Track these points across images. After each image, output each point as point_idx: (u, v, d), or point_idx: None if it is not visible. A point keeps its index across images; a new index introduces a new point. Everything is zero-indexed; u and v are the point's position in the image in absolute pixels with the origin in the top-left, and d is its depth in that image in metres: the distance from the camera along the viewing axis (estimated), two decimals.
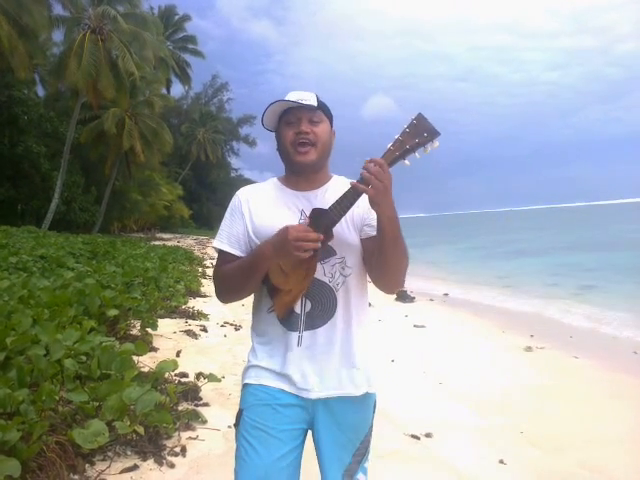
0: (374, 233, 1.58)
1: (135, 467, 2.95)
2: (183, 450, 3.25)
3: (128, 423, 3.14)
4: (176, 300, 8.50)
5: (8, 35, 19.25)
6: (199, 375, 4.55)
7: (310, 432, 1.70)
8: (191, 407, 3.91)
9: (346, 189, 1.51)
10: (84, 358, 3.99)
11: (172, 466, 3.06)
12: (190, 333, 6.62)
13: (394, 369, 5.76)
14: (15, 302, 4.94)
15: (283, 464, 1.58)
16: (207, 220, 60.64)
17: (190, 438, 3.45)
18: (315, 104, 1.62)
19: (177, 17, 48.38)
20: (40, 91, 31.54)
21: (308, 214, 1.58)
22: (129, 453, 3.09)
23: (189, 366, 4.86)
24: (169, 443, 3.31)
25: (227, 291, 1.70)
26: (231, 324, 7.60)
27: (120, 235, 35.30)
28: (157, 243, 28.25)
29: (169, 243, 29.98)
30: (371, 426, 1.72)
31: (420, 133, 1.45)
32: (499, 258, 25.34)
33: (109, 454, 3.02)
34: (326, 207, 1.54)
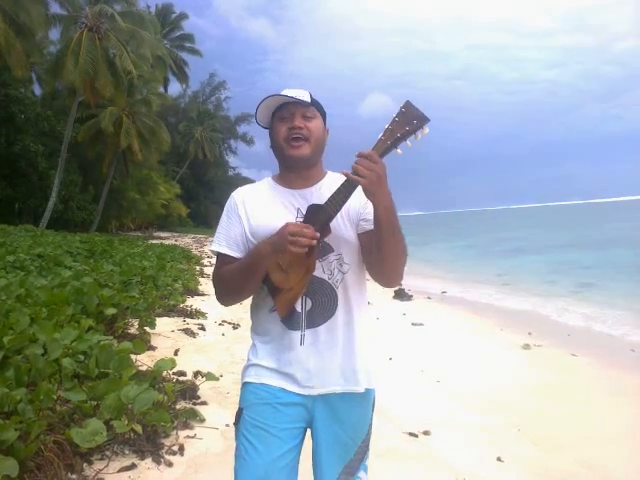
0: (370, 227, 1.58)
1: (133, 466, 2.95)
2: (181, 449, 3.25)
3: (126, 422, 3.14)
4: (174, 299, 8.50)
5: (5, 33, 19.18)
6: (197, 374, 4.55)
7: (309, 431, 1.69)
8: (189, 406, 3.91)
9: (341, 183, 1.51)
10: (82, 357, 3.98)
11: (170, 465, 3.06)
12: (188, 332, 6.61)
13: (392, 367, 5.76)
14: (13, 301, 4.93)
15: (283, 463, 1.58)
16: (205, 219, 60.60)
17: (188, 437, 3.44)
18: (308, 100, 1.62)
19: (174, 15, 48.24)
20: (37, 90, 31.52)
21: (304, 212, 1.58)
22: (127, 452, 3.09)
23: (187, 365, 4.86)
24: (167, 442, 3.31)
25: (228, 293, 1.70)
26: (229, 323, 7.60)
27: (118, 234, 35.26)
28: (155, 242, 28.20)
29: (167, 242, 29.93)
30: (371, 423, 1.72)
31: (410, 121, 1.45)
32: (497, 256, 25.37)
33: (107, 453, 3.02)
34: (322, 203, 1.54)
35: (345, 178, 1.47)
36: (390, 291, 11.63)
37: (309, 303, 1.62)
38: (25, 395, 2.95)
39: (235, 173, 74.06)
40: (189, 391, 4.18)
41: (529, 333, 8.15)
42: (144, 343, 5.13)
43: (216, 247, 1.71)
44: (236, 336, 6.79)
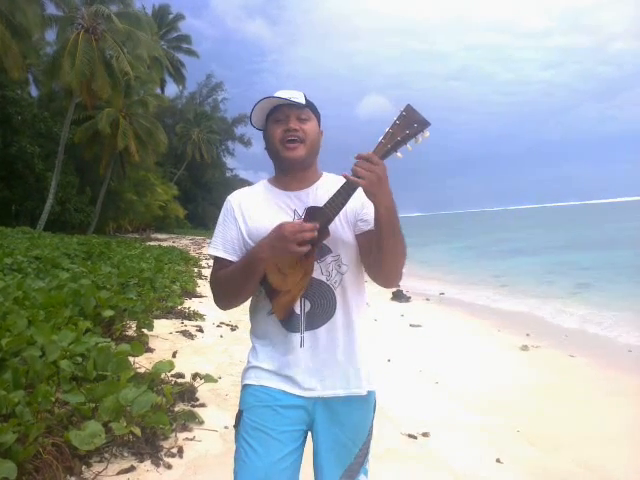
0: (368, 228, 1.58)
1: (132, 468, 2.94)
2: (180, 451, 3.24)
3: (124, 424, 3.13)
4: (172, 301, 8.47)
5: (1, 35, 19.17)
6: (195, 376, 4.54)
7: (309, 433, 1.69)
8: (188, 408, 3.90)
9: (337, 186, 1.50)
10: (80, 359, 3.97)
11: (169, 467, 3.05)
12: (186, 334, 6.59)
13: (390, 369, 5.76)
14: (10, 303, 4.91)
15: (283, 466, 1.57)
16: (202, 220, 60.54)
17: (187, 439, 3.43)
18: (303, 102, 1.62)
19: (171, 16, 48.18)
20: (34, 91, 31.46)
21: (301, 213, 1.58)
22: (126, 454, 3.08)
23: (185, 367, 4.85)
24: (166, 444, 3.30)
25: (225, 296, 1.69)
26: (227, 324, 7.59)
27: (115, 236, 35.20)
28: (152, 243, 28.16)
29: (164, 243, 29.90)
30: (372, 425, 1.72)
31: (410, 124, 1.45)
32: (495, 257, 25.39)
33: (106, 455, 3.01)
34: (319, 205, 1.53)
35: (344, 180, 1.46)
36: (388, 292, 11.63)
37: (308, 305, 1.61)
38: (23, 397, 2.94)
39: (232, 174, 74.03)
40: (188, 393, 4.17)
41: (527, 334, 8.17)
42: (142, 345, 5.11)
43: (213, 251, 1.70)
44: (234, 338, 6.78)
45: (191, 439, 3.44)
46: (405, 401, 4.70)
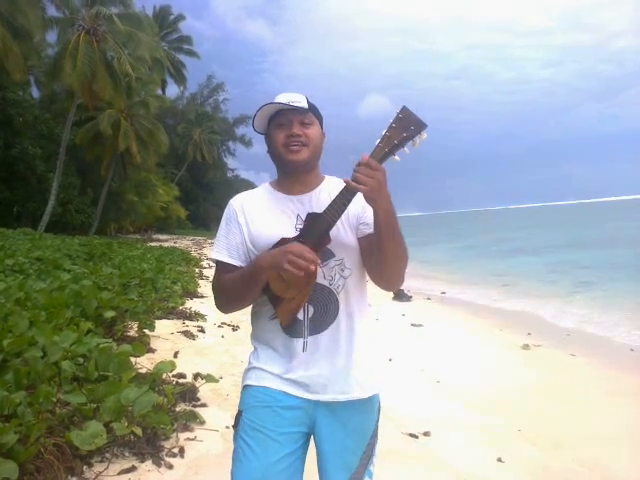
0: (370, 231, 1.57)
1: (133, 468, 2.95)
2: (181, 451, 3.25)
3: (126, 424, 3.13)
4: (173, 301, 8.48)
5: (2, 36, 19.18)
6: (197, 376, 4.54)
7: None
8: (189, 408, 3.90)
9: (339, 189, 1.50)
10: (81, 360, 3.98)
11: (170, 467, 3.05)
12: (187, 334, 6.60)
13: (392, 368, 5.76)
14: (12, 304, 4.92)
15: (280, 467, 1.56)
16: (204, 221, 60.58)
17: (188, 439, 3.44)
18: (305, 106, 1.61)
19: (172, 17, 48.25)
20: (35, 92, 31.52)
21: (304, 218, 1.57)
22: (127, 454, 3.08)
23: (187, 367, 4.85)
24: (167, 444, 3.30)
25: (228, 302, 1.69)
26: (229, 325, 7.60)
27: (117, 236, 35.22)
28: (154, 244, 28.18)
29: (166, 244, 29.93)
30: (376, 428, 1.70)
31: (407, 127, 1.43)
32: (496, 257, 25.37)
33: (107, 456, 3.02)
34: (321, 210, 1.52)
35: (344, 184, 1.46)
36: (390, 292, 11.63)
37: (311, 310, 1.60)
38: (25, 398, 2.95)
39: (234, 175, 74.14)
40: (189, 393, 4.18)
41: (528, 333, 8.16)
42: (143, 345, 5.13)
43: (216, 255, 1.69)
44: (236, 338, 6.79)
45: (192, 439, 3.45)
46: (406, 400, 4.70)
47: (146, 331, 5.92)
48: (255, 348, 1.72)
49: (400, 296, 11.75)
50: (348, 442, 1.63)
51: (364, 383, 1.64)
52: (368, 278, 1.70)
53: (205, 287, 11.46)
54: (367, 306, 1.74)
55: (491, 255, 26.59)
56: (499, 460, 3.55)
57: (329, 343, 1.61)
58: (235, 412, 1.70)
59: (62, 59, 23.26)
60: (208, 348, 6.12)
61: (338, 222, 1.53)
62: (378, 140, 1.46)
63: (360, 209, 1.61)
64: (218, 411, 4.01)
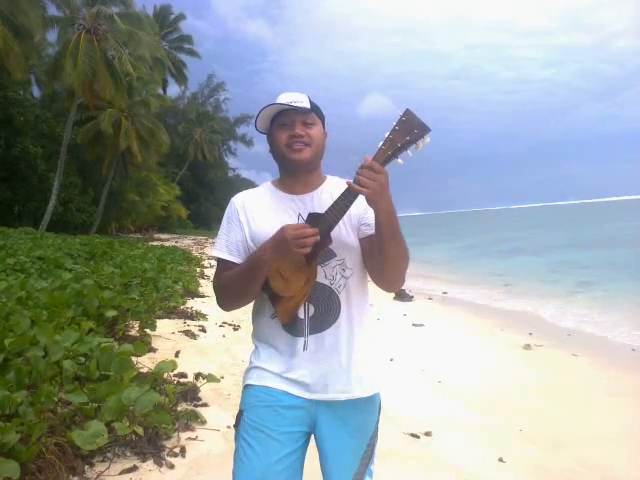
0: (371, 232, 1.58)
1: (134, 468, 2.95)
2: (182, 451, 3.25)
3: (127, 424, 3.13)
4: (174, 300, 8.49)
5: (3, 36, 19.18)
6: (198, 375, 4.54)
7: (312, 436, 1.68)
8: (190, 407, 3.91)
9: (341, 190, 1.50)
10: (83, 359, 3.98)
11: (172, 467, 3.06)
12: (189, 333, 6.61)
13: (393, 368, 5.76)
14: (13, 303, 4.93)
15: (281, 467, 1.56)
16: (205, 220, 60.58)
17: (189, 439, 3.44)
18: (308, 106, 1.61)
19: (172, 17, 48.19)
20: (36, 92, 31.51)
21: (305, 217, 1.57)
22: (128, 454, 3.09)
23: (188, 366, 4.85)
24: (168, 444, 3.30)
25: (228, 299, 1.69)
26: (230, 324, 7.60)
27: (118, 236, 35.23)
28: (155, 244, 28.19)
29: (167, 243, 29.92)
30: (376, 428, 1.71)
31: (410, 130, 1.43)
32: (497, 256, 25.36)
33: (108, 455, 3.02)
34: (322, 210, 1.53)
35: (347, 185, 1.46)
36: (391, 293, 11.63)
37: (312, 309, 1.61)
38: (26, 397, 2.95)
39: (235, 174, 74.17)
40: (190, 393, 4.18)
41: (530, 333, 8.17)
42: (145, 345, 5.13)
43: (217, 253, 1.70)
44: (237, 337, 6.79)
45: (194, 439, 3.45)
46: (407, 400, 4.70)
47: (147, 330, 5.93)
48: (256, 347, 1.72)
49: (401, 296, 11.75)
50: (349, 441, 1.63)
51: (365, 382, 1.65)
52: (369, 279, 1.70)
53: (206, 287, 11.47)
54: (368, 306, 1.74)
55: (491, 255, 26.58)
56: (500, 460, 3.55)
57: (330, 342, 1.61)
58: (236, 412, 1.70)
59: (63, 58, 23.26)
60: (209, 348, 6.12)
61: (340, 222, 1.53)
62: (381, 143, 1.45)
63: (361, 210, 1.61)
64: (219, 411, 4.01)
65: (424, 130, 1.43)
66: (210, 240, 36.95)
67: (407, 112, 1.43)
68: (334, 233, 1.52)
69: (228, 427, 3.62)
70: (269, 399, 1.62)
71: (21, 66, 20.87)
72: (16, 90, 25.17)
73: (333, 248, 1.58)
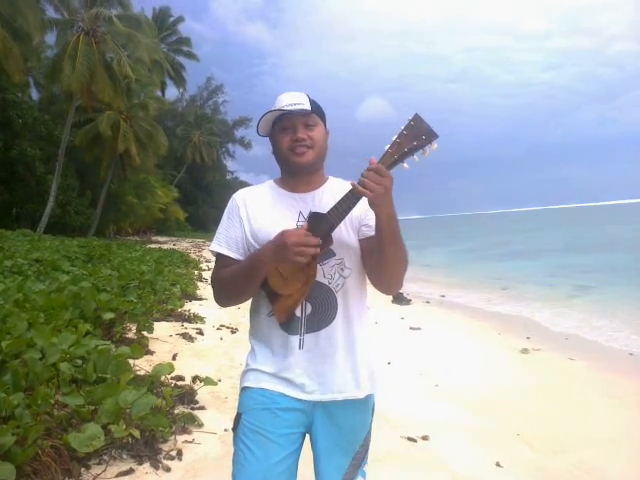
0: (372, 233, 1.58)
1: (131, 471, 2.94)
2: (179, 454, 3.24)
3: (124, 427, 3.13)
4: (172, 303, 8.48)
5: (2, 38, 19.17)
6: (195, 378, 4.53)
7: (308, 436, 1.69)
8: (187, 410, 3.90)
9: (343, 191, 1.49)
10: (80, 362, 3.97)
11: (168, 470, 3.05)
12: (186, 336, 6.60)
13: (390, 371, 5.75)
14: (10, 306, 4.92)
15: (281, 469, 1.57)
16: (203, 223, 60.59)
17: (186, 442, 3.43)
18: (308, 107, 1.60)
19: (171, 19, 48.28)
20: (34, 94, 31.54)
21: (306, 216, 1.57)
22: (125, 457, 3.07)
23: (185, 369, 4.85)
24: (165, 447, 3.29)
25: (226, 295, 1.69)
26: (227, 327, 7.58)
27: (116, 238, 35.22)
28: (153, 246, 28.15)
29: (165, 246, 29.90)
30: (370, 429, 1.71)
31: (418, 135, 1.42)
32: (495, 260, 25.38)
33: (105, 458, 3.01)
34: (323, 209, 1.53)
35: (349, 185, 1.45)
36: (388, 295, 11.62)
37: (309, 308, 1.61)
38: (23, 400, 2.94)
39: (233, 177, 74.24)
40: (187, 396, 4.17)
41: (527, 337, 8.16)
42: (142, 348, 5.11)
43: (216, 247, 1.70)
44: (234, 340, 6.78)
45: (190, 442, 3.44)
46: (405, 404, 4.70)
47: (145, 333, 5.91)
48: (252, 347, 1.72)
49: (399, 299, 11.74)
50: (341, 441, 1.64)
51: (361, 383, 1.64)
52: (368, 281, 1.70)
53: (204, 289, 11.46)
54: (366, 308, 1.74)
55: (490, 258, 26.61)
56: (498, 464, 3.54)
57: (326, 342, 1.61)
58: (234, 415, 1.70)
59: (61, 60, 23.25)
60: (207, 350, 6.11)
61: (341, 223, 1.54)
62: (388, 146, 1.45)
63: (363, 211, 1.61)
64: (216, 414, 4.00)
65: (432, 136, 1.42)
66: (208, 243, 36.89)
67: (416, 117, 1.43)
68: (334, 233, 1.52)
69: (225, 430, 3.62)
70: (266, 401, 1.61)
71: (20, 68, 20.85)
72: (14, 92, 25.18)
73: (333, 247, 1.59)
